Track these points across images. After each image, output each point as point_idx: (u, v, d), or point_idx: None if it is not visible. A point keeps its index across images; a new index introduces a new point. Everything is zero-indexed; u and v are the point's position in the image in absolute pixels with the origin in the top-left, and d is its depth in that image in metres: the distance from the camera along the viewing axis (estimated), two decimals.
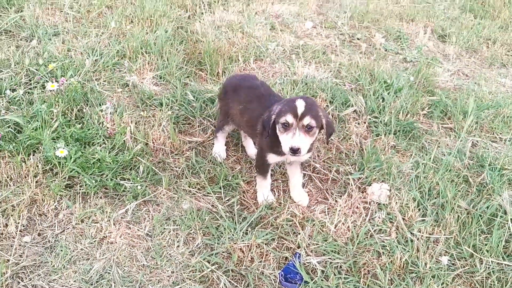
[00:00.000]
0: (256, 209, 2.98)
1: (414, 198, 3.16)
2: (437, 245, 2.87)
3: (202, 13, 5.19)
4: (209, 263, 2.60)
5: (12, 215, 2.59)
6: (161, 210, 2.87)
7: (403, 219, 3.03)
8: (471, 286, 2.69)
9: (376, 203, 3.13)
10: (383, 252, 2.77)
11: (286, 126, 2.65)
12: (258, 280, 2.59)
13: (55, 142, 2.92)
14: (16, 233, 2.56)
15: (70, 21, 4.50)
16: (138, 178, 2.94)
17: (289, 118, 2.62)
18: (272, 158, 2.89)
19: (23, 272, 2.40)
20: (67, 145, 2.92)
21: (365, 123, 3.84)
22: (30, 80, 3.51)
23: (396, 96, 4.16)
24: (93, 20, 4.57)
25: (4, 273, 2.34)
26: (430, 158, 3.48)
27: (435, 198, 3.19)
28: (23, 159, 2.87)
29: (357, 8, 5.93)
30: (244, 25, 5.02)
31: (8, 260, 2.40)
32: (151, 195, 2.93)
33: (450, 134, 3.93)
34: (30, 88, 3.42)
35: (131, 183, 2.90)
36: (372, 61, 4.68)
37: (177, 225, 2.79)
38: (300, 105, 2.63)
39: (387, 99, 4.06)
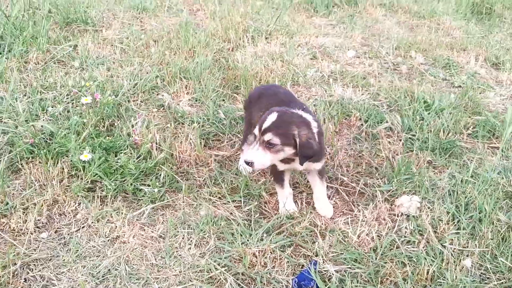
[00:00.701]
0: (277, 219, 2.88)
1: (448, 211, 2.93)
2: (472, 259, 2.61)
3: (245, 46, 5.33)
4: (219, 265, 2.52)
5: (32, 213, 2.68)
6: (178, 215, 2.85)
7: (435, 232, 2.80)
8: None
9: (405, 215, 2.93)
10: (408, 263, 2.55)
11: (254, 138, 2.60)
12: (268, 284, 2.46)
13: (83, 149, 3.03)
14: (35, 230, 2.64)
15: (117, 53, 4.79)
16: (158, 184, 2.96)
17: (256, 130, 2.58)
18: (280, 166, 2.82)
19: (34, 264, 2.44)
20: (94, 153, 3.02)
21: (400, 140, 3.68)
22: (72, 100, 3.73)
23: (438, 116, 3.97)
24: (138, 50, 4.83)
25: (15, 263, 2.39)
26: (468, 172, 3.24)
27: (472, 212, 2.93)
28: (52, 164, 2.99)
29: (404, 40, 5.84)
30: (285, 54, 5.09)
31: (19, 253, 2.45)
32: (169, 200, 2.93)
33: (496, 153, 3.65)
34: (69, 104, 3.63)
35: (150, 188, 2.93)
36: (414, 84, 4.53)
37: (191, 229, 2.75)
38: (269, 120, 2.55)
39: (426, 118, 3.88)
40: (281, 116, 2.58)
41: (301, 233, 2.77)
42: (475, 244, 2.69)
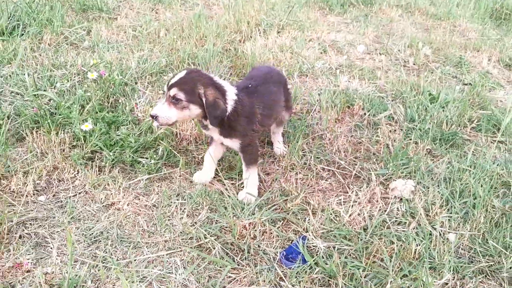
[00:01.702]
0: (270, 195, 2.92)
1: (442, 196, 2.92)
2: (461, 242, 2.60)
3: (255, 38, 5.39)
4: (209, 234, 2.56)
5: (31, 176, 2.77)
6: (173, 187, 2.91)
7: (427, 215, 2.80)
8: (497, 282, 2.38)
9: (398, 198, 2.93)
10: (397, 243, 2.56)
11: (163, 93, 2.62)
12: (256, 254, 2.49)
13: (85, 121, 3.11)
14: (33, 192, 2.72)
15: (129, 39, 4.89)
16: (155, 157, 3.03)
17: (165, 87, 2.62)
18: (204, 131, 2.91)
19: (30, 223, 2.52)
20: (95, 125, 3.10)
21: (401, 129, 3.68)
22: (80, 78, 3.82)
23: (442, 108, 3.96)
24: (149, 37, 4.92)
25: (11, 220, 2.47)
26: (466, 161, 3.23)
27: (467, 198, 2.92)
28: (55, 133, 3.08)
29: (417, 38, 5.83)
30: (294, 47, 5.13)
31: (15, 212, 2.53)
32: (166, 173, 2.99)
33: (500, 147, 3.63)
34: (76, 83, 3.72)
35: (148, 160, 2.99)
36: (421, 79, 4.52)
37: (184, 200, 2.80)
38: (177, 76, 2.59)
39: (430, 110, 3.87)
40: (189, 74, 2.61)
41: (292, 210, 2.80)
42: (466, 228, 2.68)
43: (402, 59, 5.29)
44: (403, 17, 6.96)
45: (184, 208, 2.75)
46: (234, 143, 2.82)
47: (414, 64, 5.15)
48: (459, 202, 2.88)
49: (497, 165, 3.31)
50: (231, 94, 2.69)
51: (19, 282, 2.18)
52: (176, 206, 2.76)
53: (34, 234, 2.46)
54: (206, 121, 2.70)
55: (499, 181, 3.11)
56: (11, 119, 3.23)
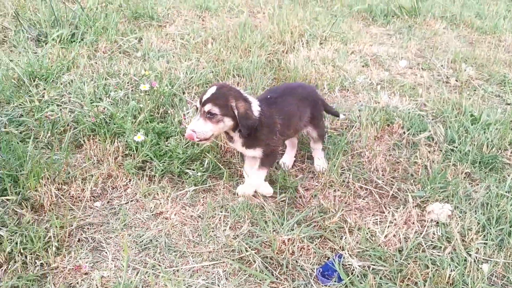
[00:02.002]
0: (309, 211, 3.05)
1: (479, 222, 2.98)
2: (495, 269, 2.67)
3: (299, 49, 5.51)
4: (249, 247, 2.72)
5: (89, 183, 2.99)
6: (217, 199, 3.08)
7: (463, 240, 2.87)
8: None
9: (435, 221, 3.01)
10: (431, 267, 2.65)
11: (196, 111, 2.79)
12: (294, 270, 2.63)
13: (137, 132, 3.32)
14: (90, 198, 2.94)
15: (177, 48, 5.10)
16: (201, 169, 3.20)
17: (197, 103, 2.79)
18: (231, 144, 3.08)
19: (87, 227, 2.75)
20: (147, 135, 3.30)
21: (441, 150, 3.74)
22: (132, 87, 4.05)
23: (483, 130, 3.98)
24: (196, 47, 5.12)
25: (71, 224, 2.70)
26: (505, 186, 3.26)
27: (503, 225, 2.97)
28: (110, 142, 3.30)
29: (461, 53, 5.81)
30: (337, 60, 5.22)
31: (75, 216, 2.76)
32: (211, 185, 3.17)
33: None
34: (129, 90, 3.95)
35: (194, 172, 3.17)
36: (463, 97, 4.54)
37: (228, 212, 2.97)
38: (209, 92, 2.74)
39: (471, 132, 3.90)
40: (220, 89, 2.78)
41: (330, 227, 2.92)
42: (501, 256, 2.74)
43: (445, 75, 5.31)
44: (447, 30, 6.92)
45: (228, 221, 2.91)
46: (256, 152, 3.01)
47: (456, 81, 5.16)
48: (495, 229, 2.93)
49: None
50: (255, 106, 2.90)
51: (78, 283, 2.40)
52: (219, 218, 2.93)
53: (91, 238, 2.67)
54: (233, 133, 2.90)
55: None
56: (70, 126, 3.47)
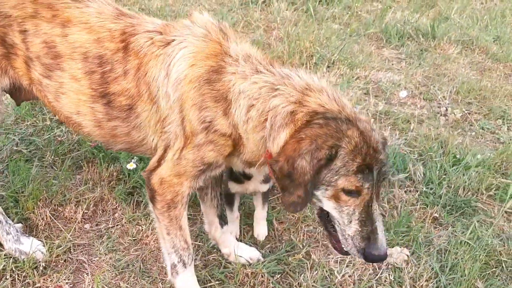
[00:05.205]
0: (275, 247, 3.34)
1: (433, 268, 3.20)
2: None
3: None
4: (214, 278, 3.03)
5: (81, 206, 3.37)
6: (194, 228, 3.40)
7: (413, 286, 3.10)
8: None
9: (391, 265, 3.24)
10: None
11: None
12: None
13: (131, 159, 3.67)
14: (81, 220, 3.32)
15: None
16: None
17: None
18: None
19: (74, 248, 3.12)
20: (140, 163, 3.65)
21: (417, 191, 3.93)
22: None
23: (464, 172, 4.14)
24: None
25: (60, 245, 3.08)
26: (468, 234, 3.45)
27: (456, 274, 3.17)
28: (106, 167, 3.67)
29: (466, 84, 5.89)
30: (339, 87, 5.42)
31: (65, 237, 3.14)
32: (191, 213, 3.49)
33: (511, 219, 3.80)
34: None
35: None
36: (453, 135, 4.69)
37: (202, 242, 3.29)
38: None
39: (450, 173, 4.08)
40: None
41: (293, 263, 3.20)
42: None
43: (445, 107, 5.43)
44: (461, 54, 6.96)
45: (200, 248, 3.23)
46: (267, 186, 3.19)
47: (457, 117, 5.27)
48: (446, 277, 3.15)
49: (500, 240, 3.50)
50: None
51: None
52: (194, 246, 3.25)
53: (76, 260, 3.05)
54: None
55: (494, 259, 3.32)
56: (74, 148, 3.86)
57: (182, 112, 2.44)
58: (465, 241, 3.43)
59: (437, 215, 3.70)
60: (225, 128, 2.40)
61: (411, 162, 4.22)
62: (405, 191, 3.93)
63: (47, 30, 2.53)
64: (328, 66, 5.98)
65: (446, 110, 5.37)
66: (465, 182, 4.01)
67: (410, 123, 4.94)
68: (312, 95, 2.29)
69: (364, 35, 7.17)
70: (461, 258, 3.26)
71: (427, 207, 3.75)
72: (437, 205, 3.76)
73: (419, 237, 3.42)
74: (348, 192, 2.22)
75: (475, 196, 3.94)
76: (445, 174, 4.10)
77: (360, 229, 2.27)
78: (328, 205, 2.29)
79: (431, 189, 3.95)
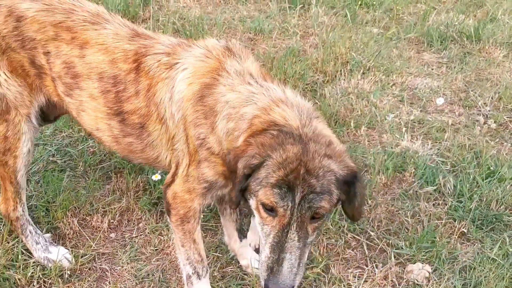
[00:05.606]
0: None
1: (455, 286, 3.10)
2: None
3: (340, 79, 5.67)
4: None
5: (108, 216, 3.52)
6: (214, 239, 3.47)
7: None
8: None
9: (412, 282, 3.17)
10: None
11: None
12: None
13: (156, 170, 3.79)
14: (107, 229, 3.47)
15: None
16: (206, 209, 3.61)
17: None
18: None
19: (98, 257, 3.27)
20: (165, 174, 3.76)
21: (446, 204, 3.82)
22: None
23: (498, 185, 3.97)
24: None
25: (86, 254, 3.24)
26: (495, 250, 3.32)
27: None
28: (133, 178, 3.81)
29: (510, 89, 5.63)
30: (372, 94, 5.33)
31: (91, 246, 3.29)
32: (213, 224, 3.56)
33: None
34: None
35: None
36: (489, 146, 4.50)
37: (221, 254, 3.35)
38: None
39: (482, 186, 3.92)
40: None
41: (311, 277, 3.20)
42: None
43: (485, 114, 5.23)
44: (507, 58, 6.65)
45: (218, 262, 3.29)
46: None
47: (494, 122, 5.06)
48: None
49: None
50: None
51: None
52: (213, 257, 3.32)
53: (100, 268, 3.19)
54: None
55: None
56: (106, 158, 4.03)
57: (185, 130, 2.52)
58: (492, 258, 3.30)
59: (465, 230, 3.57)
60: (215, 146, 2.47)
61: (442, 174, 4.09)
62: (433, 204, 3.82)
63: (67, 51, 2.68)
64: (363, 73, 5.88)
65: (486, 117, 5.17)
66: (498, 195, 3.84)
67: (445, 132, 4.79)
68: (281, 107, 2.28)
69: (404, 39, 7.00)
70: (486, 276, 3.14)
71: (455, 221, 3.63)
72: (466, 220, 3.63)
73: (443, 253, 3.31)
74: (266, 208, 2.15)
75: (508, 210, 3.78)
76: (477, 187, 3.95)
77: (269, 255, 2.15)
78: (256, 218, 2.26)
79: (461, 202, 3.82)
